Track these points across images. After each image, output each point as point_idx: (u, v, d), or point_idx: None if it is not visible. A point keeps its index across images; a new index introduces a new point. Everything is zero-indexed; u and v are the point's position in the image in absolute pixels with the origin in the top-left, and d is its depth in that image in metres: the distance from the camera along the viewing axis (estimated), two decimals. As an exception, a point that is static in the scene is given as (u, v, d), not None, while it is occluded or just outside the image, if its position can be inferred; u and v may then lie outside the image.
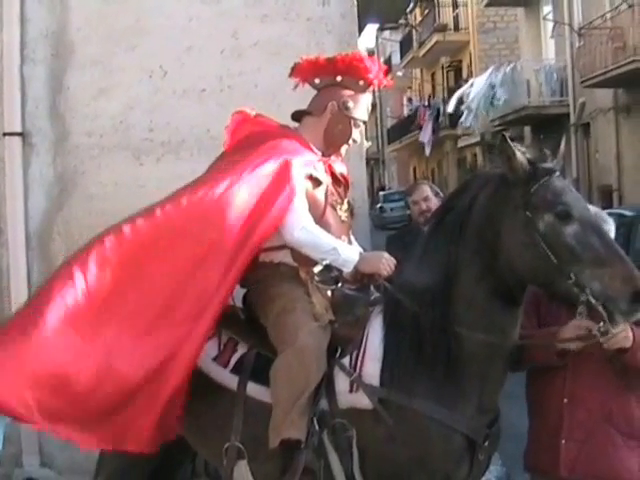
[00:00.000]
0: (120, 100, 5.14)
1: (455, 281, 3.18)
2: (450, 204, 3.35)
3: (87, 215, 5.01)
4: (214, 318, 3.24)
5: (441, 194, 5.15)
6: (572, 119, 21.16)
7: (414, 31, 34.58)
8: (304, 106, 3.57)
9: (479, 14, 29.17)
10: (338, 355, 3.24)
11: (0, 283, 5.14)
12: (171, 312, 3.19)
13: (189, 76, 5.13)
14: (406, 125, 36.16)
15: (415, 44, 34.17)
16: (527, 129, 24.22)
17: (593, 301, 2.93)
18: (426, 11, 33.12)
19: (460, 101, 24.08)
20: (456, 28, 30.82)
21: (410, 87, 40.82)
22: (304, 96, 3.59)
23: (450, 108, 25.64)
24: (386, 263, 3.34)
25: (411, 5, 22.95)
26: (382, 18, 10.38)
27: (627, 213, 10.79)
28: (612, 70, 17.28)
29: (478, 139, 26.80)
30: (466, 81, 26.89)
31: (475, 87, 23.08)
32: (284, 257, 3.37)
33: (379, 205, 33.56)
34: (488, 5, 26.28)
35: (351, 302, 3.39)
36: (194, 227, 3.19)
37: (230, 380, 3.34)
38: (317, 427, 3.16)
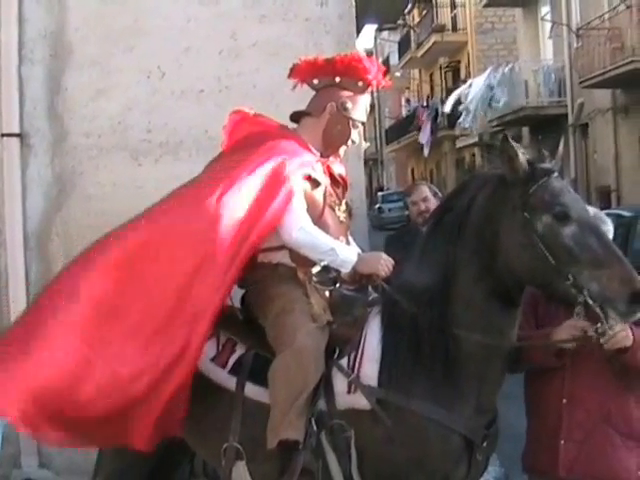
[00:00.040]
0: (118, 101, 5.14)
1: (453, 282, 3.18)
2: (448, 205, 3.35)
3: (85, 216, 5.02)
4: (213, 319, 3.24)
5: (440, 194, 5.14)
6: (570, 120, 21.17)
7: (412, 32, 34.58)
8: (302, 107, 3.57)
9: (477, 15, 29.18)
10: (336, 356, 3.24)
11: (-2, 284, 5.14)
12: (173, 317, 3.18)
13: (187, 77, 5.13)
14: (404, 126, 36.16)
15: (413, 45, 34.16)
16: (525, 130, 24.23)
17: (591, 302, 2.93)
18: (424, 12, 33.12)
19: (458, 101, 24.07)
20: (454, 29, 30.82)
21: (408, 88, 40.83)
22: (302, 97, 3.59)
23: (447, 108, 25.62)
24: (384, 264, 3.34)
25: (409, 6, 23.00)
26: (380, 19, 10.41)
27: (625, 214, 10.80)
28: (610, 71, 17.29)
29: (476, 140, 26.83)
30: (464, 82, 26.87)
31: (473, 88, 23.07)
32: (282, 258, 3.37)
33: (377, 206, 33.55)
34: (486, 6, 26.28)
35: (349, 303, 3.39)
36: (194, 229, 3.19)
37: (228, 381, 3.33)
38: (315, 428, 3.15)
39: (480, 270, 3.15)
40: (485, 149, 25.22)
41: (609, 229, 3.32)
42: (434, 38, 30.60)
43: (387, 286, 3.32)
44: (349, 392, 3.18)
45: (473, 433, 3.19)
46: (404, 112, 39.89)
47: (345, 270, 3.35)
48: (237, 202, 3.20)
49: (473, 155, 29.54)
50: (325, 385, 3.19)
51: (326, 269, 3.34)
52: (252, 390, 3.28)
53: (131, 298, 3.14)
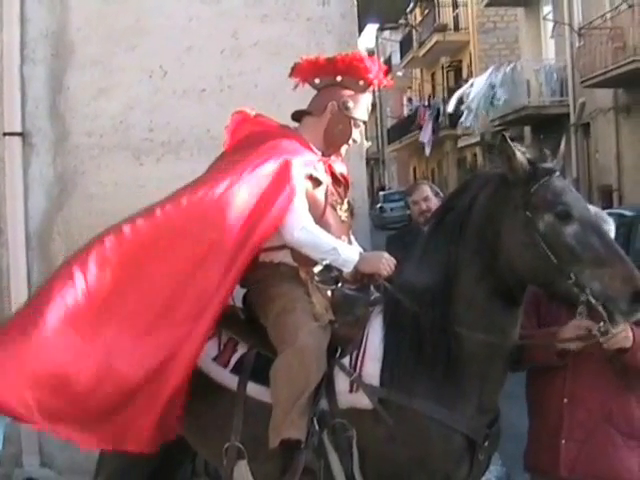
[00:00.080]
0: (120, 100, 5.14)
1: (455, 281, 3.18)
2: (450, 204, 3.35)
3: (87, 215, 5.01)
4: (214, 318, 3.24)
5: (441, 194, 5.15)
6: (572, 119, 21.16)
7: (414, 31, 34.58)
8: (304, 106, 3.57)
9: (479, 14, 29.17)
10: (338, 355, 3.24)
11: (0, 283, 5.14)
12: (171, 312, 3.19)
13: (189, 76, 5.13)
14: (406, 125, 36.16)
15: (415, 44, 34.17)
16: (527, 129, 24.22)
17: (593, 301, 2.93)
18: (426, 11, 33.12)
19: (460, 101, 24.07)
20: (456, 28, 30.82)
21: (410, 87, 40.82)
22: (304, 96, 3.59)
23: (450, 108, 25.64)
24: (386, 263, 3.34)
25: (411, 5, 22.95)
26: (382, 18, 10.38)
27: (627, 213, 10.79)
28: (612, 70, 17.29)
29: (478, 139, 26.80)
30: (466, 81, 26.89)
31: (475, 87, 23.07)
32: (284, 257, 3.37)
33: (379, 205, 33.56)
34: (488, 5, 26.29)
35: (351, 302, 3.39)
36: (194, 227, 3.20)
37: (230, 380, 3.34)
38: (317, 427, 3.16)
39: (482, 269, 3.15)
40: (487, 149, 25.19)
41: (611, 228, 3.32)
42: (436, 37, 30.61)
43: (389, 285, 3.32)
44: (351, 391, 3.18)
45: (475, 432, 3.19)
46: (406, 111, 39.87)
47: (347, 269, 3.35)
48: (245, 194, 3.21)
49: (475, 155, 29.53)
50: (327, 384, 3.19)
51: (328, 268, 3.34)
52: (254, 389, 3.28)
53: (131, 288, 3.15)
